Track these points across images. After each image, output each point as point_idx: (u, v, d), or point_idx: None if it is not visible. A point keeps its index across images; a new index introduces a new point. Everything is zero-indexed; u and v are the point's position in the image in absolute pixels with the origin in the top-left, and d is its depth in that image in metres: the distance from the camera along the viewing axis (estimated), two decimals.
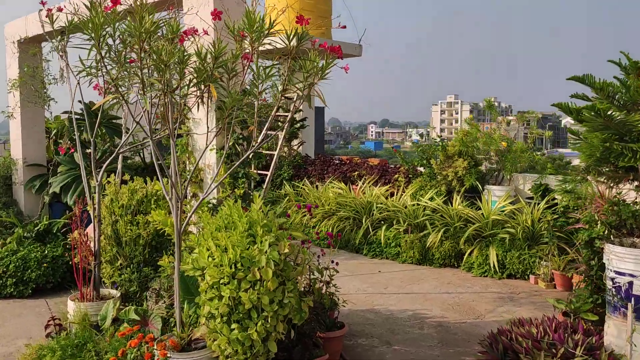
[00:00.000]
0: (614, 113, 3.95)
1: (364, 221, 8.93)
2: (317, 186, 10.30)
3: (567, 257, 7.03)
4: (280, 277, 3.78)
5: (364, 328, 5.71)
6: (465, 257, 7.94)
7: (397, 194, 9.20)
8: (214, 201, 4.92)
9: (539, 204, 7.80)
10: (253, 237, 3.86)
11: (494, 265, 7.58)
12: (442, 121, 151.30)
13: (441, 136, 9.02)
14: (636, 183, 4.44)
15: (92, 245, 4.95)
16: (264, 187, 10.44)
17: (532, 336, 4.24)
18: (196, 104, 4.41)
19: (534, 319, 4.60)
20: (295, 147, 11.38)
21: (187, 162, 5.19)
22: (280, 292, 3.75)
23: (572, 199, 4.46)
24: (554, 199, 7.82)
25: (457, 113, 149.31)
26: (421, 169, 9.55)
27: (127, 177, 5.59)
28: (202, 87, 4.26)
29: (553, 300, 4.84)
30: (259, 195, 4.52)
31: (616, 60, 4.57)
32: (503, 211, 8.00)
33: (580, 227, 5.08)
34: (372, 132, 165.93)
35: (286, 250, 3.79)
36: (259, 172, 10.43)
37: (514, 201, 8.18)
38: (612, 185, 4.21)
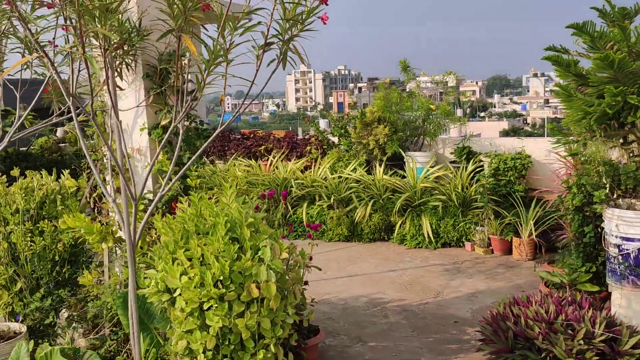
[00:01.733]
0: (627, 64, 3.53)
1: (281, 200, 8.12)
2: (217, 165, 9.26)
3: (505, 220, 6.83)
4: (279, 290, 2.91)
5: (325, 325, 4.99)
6: (397, 229, 7.47)
7: (314, 168, 8.48)
8: (150, 196, 3.84)
9: (465, 168, 7.53)
10: (236, 241, 2.93)
11: (428, 235, 7.21)
12: (297, 90, 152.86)
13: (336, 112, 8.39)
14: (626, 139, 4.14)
15: None
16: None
17: (544, 318, 3.81)
18: (119, 70, 3.35)
19: (530, 296, 4.18)
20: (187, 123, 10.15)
21: (106, 148, 4.01)
22: (281, 310, 2.89)
23: (582, 161, 4.04)
24: (480, 161, 7.60)
25: (310, 82, 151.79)
26: (335, 139, 8.91)
27: (15, 172, 4.26)
28: (128, 47, 3.22)
29: (545, 273, 4.46)
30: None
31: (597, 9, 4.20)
32: (427, 177, 7.64)
33: (547, 190, 4.74)
34: (228, 104, 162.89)
35: (285, 256, 2.92)
36: None
37: (441, 167, 7.85)
38: (620, 144, 3.85)
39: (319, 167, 8.43)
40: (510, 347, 3.80)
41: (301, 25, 3.13)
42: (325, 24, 3.36)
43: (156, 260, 2.98)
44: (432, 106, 7.57)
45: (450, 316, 5.11)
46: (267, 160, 9.10)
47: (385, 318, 5.13)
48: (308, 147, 8.89)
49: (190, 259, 2.86)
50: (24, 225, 3.93)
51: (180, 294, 2.82)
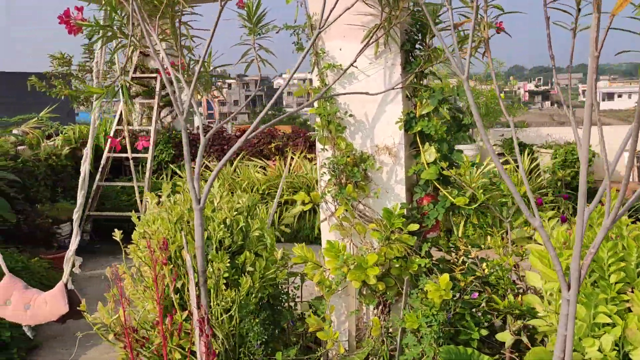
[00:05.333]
0: None
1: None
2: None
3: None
4: None
5: None
6: (460, 229, 6.80)
7: None
8: (402, 212, 2.72)
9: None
10: None
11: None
12: None
13: None
14: None
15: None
16: (147, 174, 7.77)
17: None
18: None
19: None
20: (164, 119, 8.69)
21: (334, 147, 2.84)
22: None
23: None
24: (534, 153, 7.19)
25: None
26: None
27: (166, 187, 2.93)
28: None
29: None
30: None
31: None
32: (483, 172, 7.07)
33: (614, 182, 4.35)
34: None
35: None
36: (133, 155, 7.69)
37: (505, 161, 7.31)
38: None
39: None
40: None
41: None
42: None
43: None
44: (502, 95, 7.01)
45: None
46: (275, 159, 7.99)
47: None
48: None
49: None
50: (223, 260, 2.68)
51: None
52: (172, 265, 2.71)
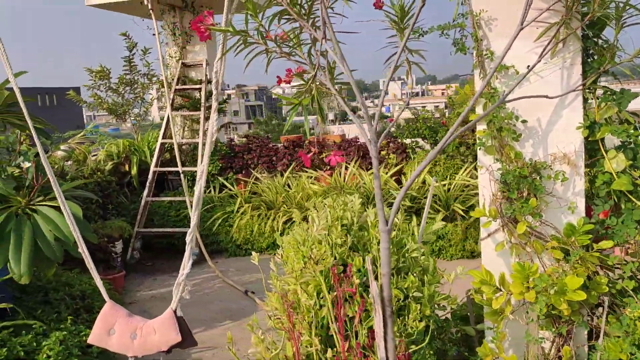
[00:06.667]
0: None
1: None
2: (263, 178, 7.70)
3: None
4: None
5: None
6: None
7: (409, 174, 7.25)
8: (589, 227, 2.41)
9: None
10: None
11: None
12: (158, 99, 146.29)
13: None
14: None
15: None
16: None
17: None
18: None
19: None
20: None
21: (503, 157, 2.58)
22: None
23: None
24: None
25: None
26: (410, 140, 7.77)
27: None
28: None
29: None
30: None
31: None
32: None
33: None
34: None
35: None
36: (161, 169, 7.44)
37: None
38: None
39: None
40: None
41: None
42: None
43: None
44: None
45: None
46: (328, 170, 7.72)
47: None
48: (383, 152, 7.66)
49: None
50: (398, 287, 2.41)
51: None
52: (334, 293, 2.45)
